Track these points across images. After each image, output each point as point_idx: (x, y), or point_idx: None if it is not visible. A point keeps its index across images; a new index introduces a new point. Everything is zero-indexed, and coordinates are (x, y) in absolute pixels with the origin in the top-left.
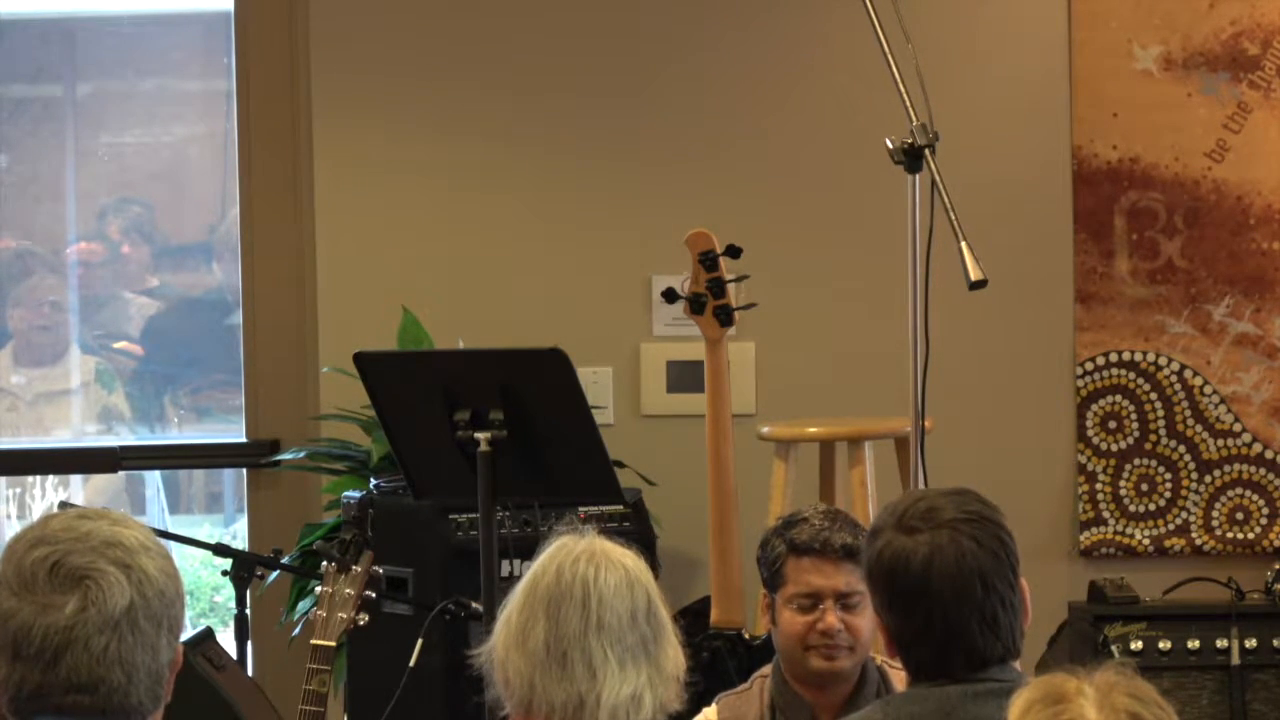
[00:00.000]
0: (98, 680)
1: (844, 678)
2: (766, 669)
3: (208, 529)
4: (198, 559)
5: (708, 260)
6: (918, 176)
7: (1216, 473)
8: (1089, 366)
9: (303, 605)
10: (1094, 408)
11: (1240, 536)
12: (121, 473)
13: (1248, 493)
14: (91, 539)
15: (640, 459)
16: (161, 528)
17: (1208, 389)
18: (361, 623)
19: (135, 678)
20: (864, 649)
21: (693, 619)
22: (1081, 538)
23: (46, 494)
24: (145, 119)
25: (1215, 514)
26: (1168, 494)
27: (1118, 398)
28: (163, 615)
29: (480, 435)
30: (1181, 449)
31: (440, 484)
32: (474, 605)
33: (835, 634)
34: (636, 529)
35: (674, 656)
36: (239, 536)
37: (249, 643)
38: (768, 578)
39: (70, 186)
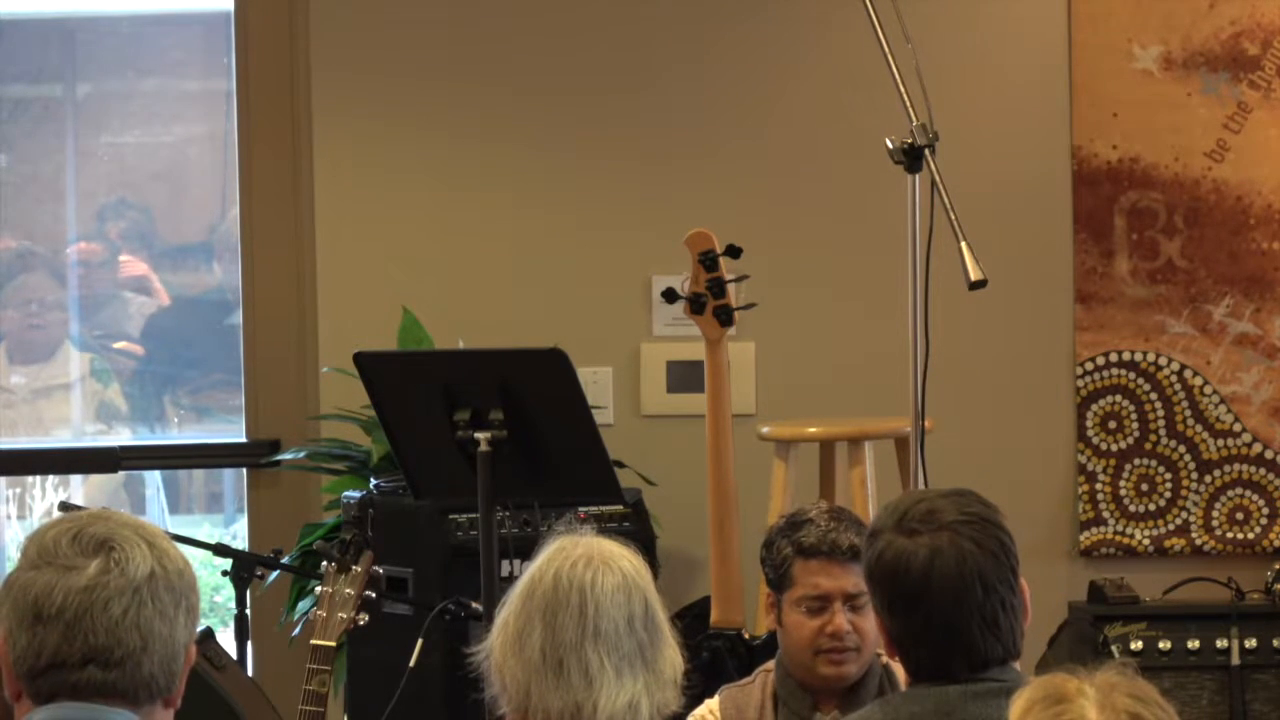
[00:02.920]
0: (114, 644)
1: (850, 680)
2: (770, 664)
3: (208, 529)
4: (198, 559)
5: (708, 260)
6: (918, 176)
7: (1216, 473)
8: (1089, 366)
9: (303, 605)
10: (1094, 408)
11: (1240, 536)
12: (121, 473)
13: (1248, 493)
14: (112, 519)
15: (640, 459)
16: (162, 528)
17: (1208, 389)
18: (361, 623)
19: (151, 646)
20: (870, 651)
21: (693, 619)
22: (1081, 538)
23: (46, 494)
24: (145, 119)
25: (1215, 514)
26: (1168, 494)
27: (1118, 398)
28: (182, 593)
29: (480, 435)
30: (1181, 449)
31: (440, 484)
32: (474, 605)
33: (844, 636)
34: (636, 529)
35: (671, 660)
36: (239, 536)
37: (249, 643)
38: (773, 579)
39: (70, 186)
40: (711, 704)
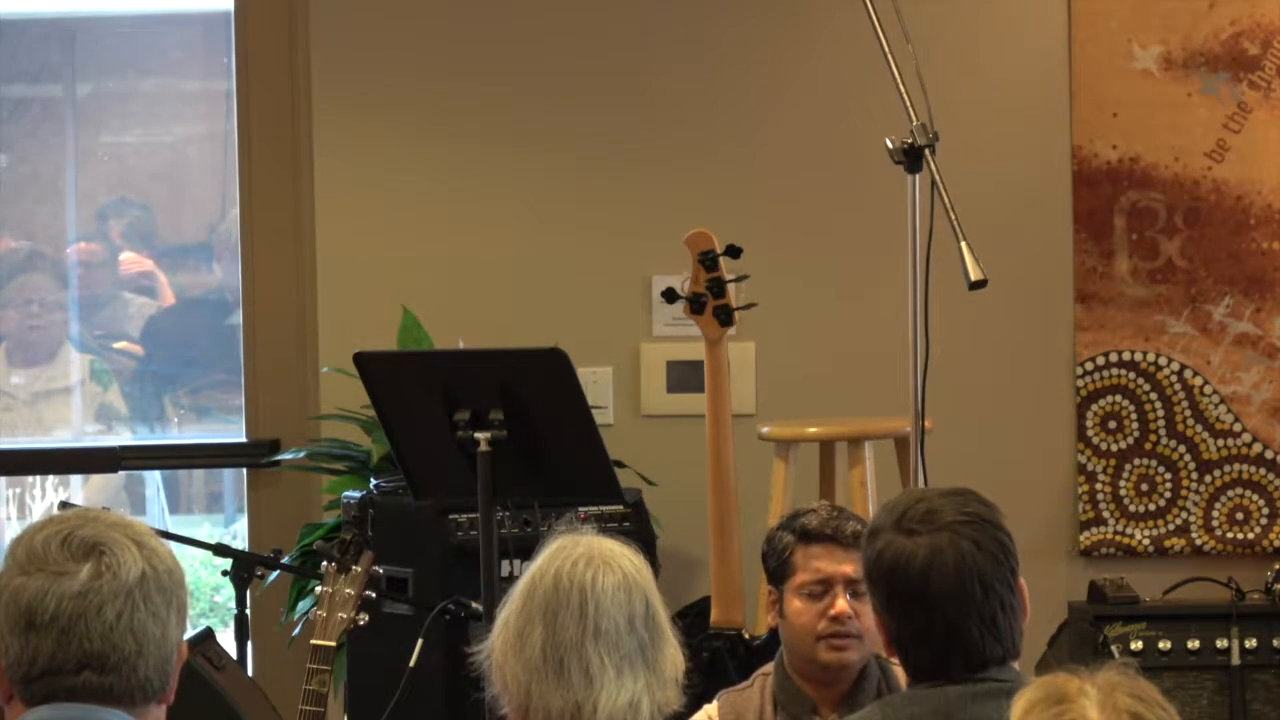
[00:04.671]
0: (109, 649)
1: (851, 671)
2: (768, 667)
3: (208, 529)
4: (198, 559)
5: (708, 260)
6: (918, 176)
7: (1216, 473)
8: (1089, 366)
9: (303, 605)
10: (1094, 408)
11: (1240, 536)
12: (121, 473)
13: (1248, 493)
14: (100, 520)
15: (640, 459)
16: (161, 528)
17: (1208, 389)
18: (361, 623)
19: (146, 650)
20: (871, 640)
21: (693, 619)
22: (1081, 538)
23: (46, 494)
24: (145, 119)
25: (1215, 514)
26: (1168, 494)
27: (1118, 398)
28: (173, 592)
29: (480, 435)
30: (1181, 449)
31: (440, 484)
32: (474, 605)
33: (846, 620)
34: (636, 529)
35: (672, 659)
36: (239, 536)
37: (249, 643)
38: (775, 569)
39: (70, 186)
40: (710, 709)
